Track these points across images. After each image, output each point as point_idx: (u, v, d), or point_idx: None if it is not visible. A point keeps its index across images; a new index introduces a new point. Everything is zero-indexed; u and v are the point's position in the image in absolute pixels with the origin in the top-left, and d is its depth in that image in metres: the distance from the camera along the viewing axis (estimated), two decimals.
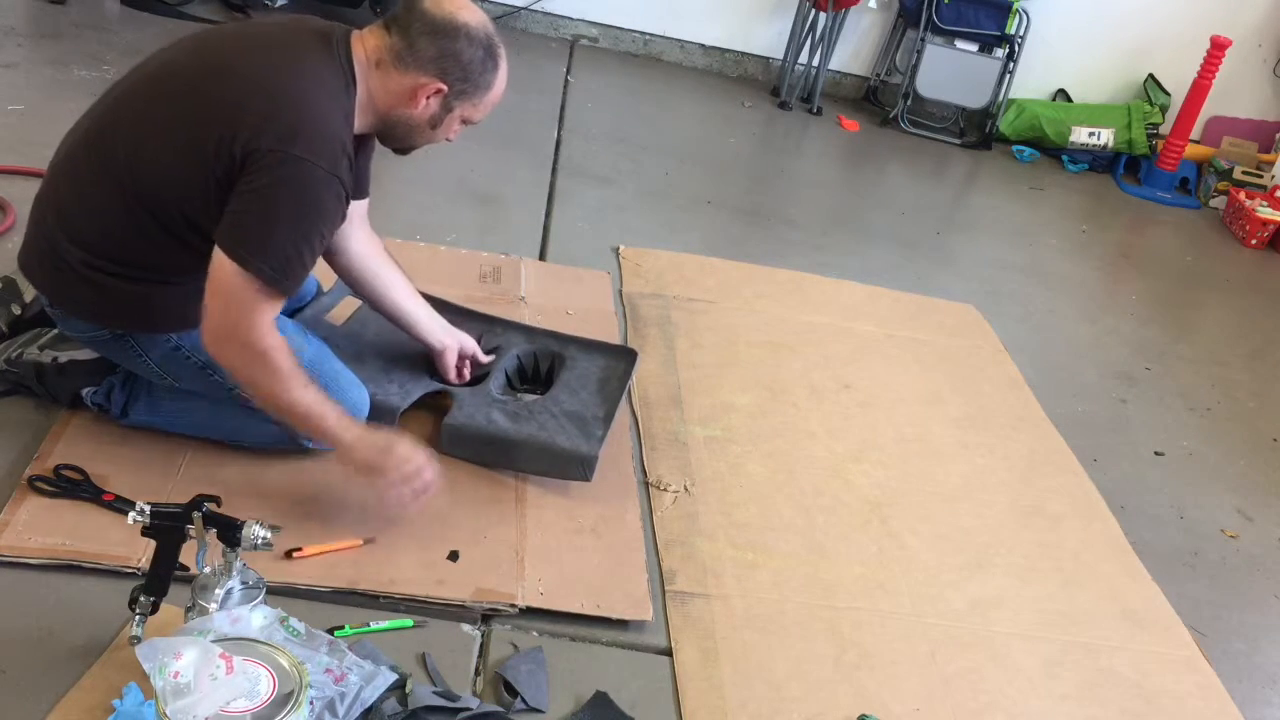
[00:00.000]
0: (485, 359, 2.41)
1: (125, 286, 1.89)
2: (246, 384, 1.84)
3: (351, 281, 2.25)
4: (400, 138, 1.97)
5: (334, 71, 1.84)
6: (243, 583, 1.61)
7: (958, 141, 5.13)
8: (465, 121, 1.98)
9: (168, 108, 1.82)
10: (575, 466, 2.19)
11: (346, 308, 2.45)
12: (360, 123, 1.90)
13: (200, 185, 1.79)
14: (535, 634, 1.90)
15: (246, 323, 1.77)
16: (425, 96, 1.88)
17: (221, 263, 1.76)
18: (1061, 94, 5.29)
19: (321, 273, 2.35)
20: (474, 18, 1.88)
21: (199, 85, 1.82)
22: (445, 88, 1.88)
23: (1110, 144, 5.12)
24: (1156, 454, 2.99)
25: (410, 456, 1.93)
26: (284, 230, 1.77)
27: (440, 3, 1.87)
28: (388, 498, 1.94)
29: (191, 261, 1.86)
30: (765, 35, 5.20)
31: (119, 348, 1.97)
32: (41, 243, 1.92)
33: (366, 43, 1.88)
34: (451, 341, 2.33)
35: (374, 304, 2.29)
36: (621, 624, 1.95)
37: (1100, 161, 5.18)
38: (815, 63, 5.03)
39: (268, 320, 1.79)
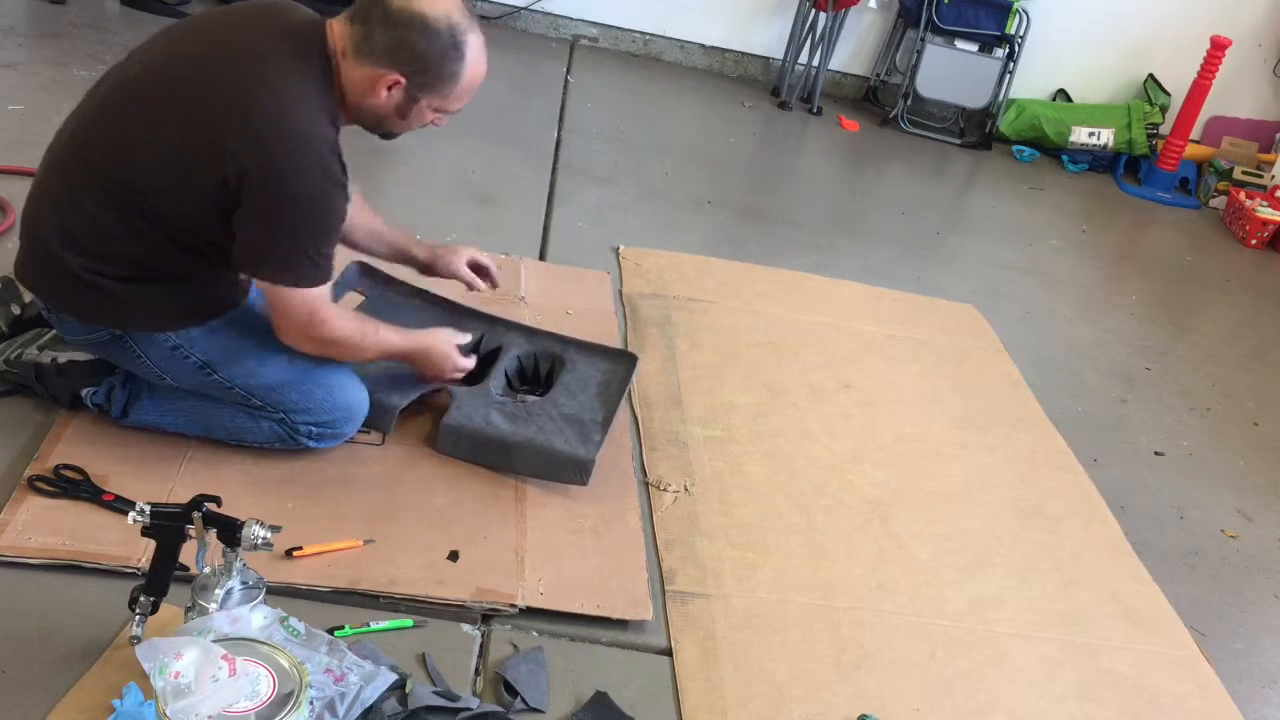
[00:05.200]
0: (482, 285, 2.46)
1: (122, 288, 1.89)
2: (337, 359, 2.07)
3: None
4: (373, 126, 1.98)
5: (312, 72, 1.84)
6: (243, 583, 1.61)
7: (958, 141, 5.12)
8: (440, 111, 1.96)
9: (154, 118, 1.83)
10: (572, 470, 2.19)
11: (348, 304, 2.45)
12: (344, 114, 1.92)
13: (194, 196, 1.82)
14: (535, 634, 1.90)
15: (313, 326, 1.95)
16: (385, 88, 1.87)
17: (265, 286, 1.90)
18: (1061, 94, 5.29)
19: None
20: (434, 8, 1.83)
21: (183, 97, 1.82)
22: (402, 79, 1.86)
23: (1110, 144, 5.12)
24: (1156, 454, 2.99)
25: (445, 364, 2.22)
26: (301, 242, 1.86)
27: None
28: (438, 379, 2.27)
29: (187, 260, 1.91)
30: (765, 35, 5.20)
31: (117, 349, 1.97)
32: (36, 250, 1.93)
33: (334, 32, 1.87)
34: (446, 253, 2.42)
35: (371, 250, 2.36)
36: (621, 624, 1.95)
37: (1100, 161, 5.18)
38: (815, 63, 5.03)
39: (325, 312, 1.95)
